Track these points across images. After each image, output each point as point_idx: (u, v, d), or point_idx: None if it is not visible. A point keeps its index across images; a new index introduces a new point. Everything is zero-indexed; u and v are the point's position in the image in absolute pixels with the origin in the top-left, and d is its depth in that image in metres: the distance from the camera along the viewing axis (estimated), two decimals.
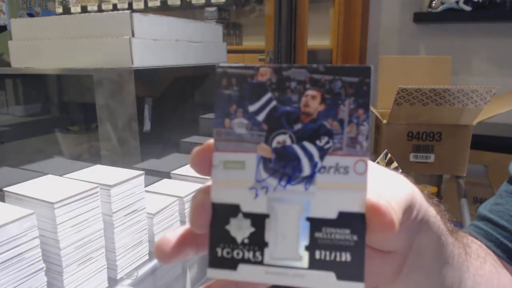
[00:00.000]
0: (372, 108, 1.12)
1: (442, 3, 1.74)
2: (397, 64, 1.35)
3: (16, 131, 1.11)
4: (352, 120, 0.21)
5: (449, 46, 1.87)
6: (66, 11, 2.90)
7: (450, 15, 1.75)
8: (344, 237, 0.20)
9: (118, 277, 0.59)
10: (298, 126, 0.21)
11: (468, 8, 1.69)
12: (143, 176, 0.62)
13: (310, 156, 0.21)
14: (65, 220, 0.50)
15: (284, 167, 0.21)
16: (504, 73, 1.81)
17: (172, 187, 0.75)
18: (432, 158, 1.06)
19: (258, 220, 0.21)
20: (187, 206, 0.73)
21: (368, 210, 0.20)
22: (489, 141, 1.54)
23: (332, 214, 0.20)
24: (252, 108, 0.21)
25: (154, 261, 0.65)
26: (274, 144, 0.21)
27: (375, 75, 1.76)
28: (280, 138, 0.21)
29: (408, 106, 0.98)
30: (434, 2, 1.76)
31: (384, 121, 1.07)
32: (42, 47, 0.94)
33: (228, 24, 2.52)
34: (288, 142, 0.21)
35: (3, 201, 0.53)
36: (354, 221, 0.20)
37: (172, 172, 0.81)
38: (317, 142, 0.21)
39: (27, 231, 0.46)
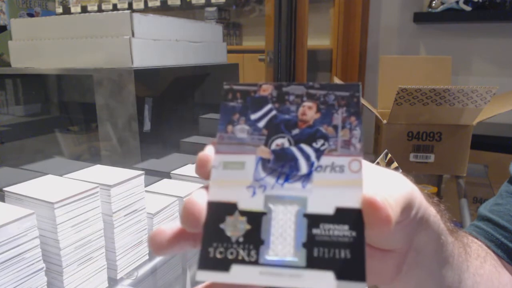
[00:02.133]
0: (372, 108, 1.12)
1: (442, 3, 1.74)
2: (397, 64, 1.35)
3: (16, 131, 1.11)
4: (345, 126, 0.22)
5: (449, 46, 1.87)
6: (66, 11, 2.90)
7: (450, 15, 1.74)
8: (343, 234, 0.20)
9: (118, 277, 0.59)
10: (295, 131, 0.23)
11: (468, 8, 1.69)
12: (143, 176, 0.62)
13: (307, 156, 0.22)
14: (65, 220, 0.50)
15: (282, 166, 0.22)
16: (504, 73, 1.80)
17: (172, 187, 0.75)
18: (432, 158, 1.06)
19: (255, 218, 0.21)
20: None
21: (364, 205, 0.20)
22: (489, 141, 1.54)
23: (329, 210, 0.20)
24: (253, 116, 0.23)
25: (154, 261, 0.65)
26: (273, 146, 0.22)
27: (375, 75, 1.76)
28: (279, 141, 0.22)
29: (408, 106, 0.98)
30: (434, 2, 1.76)
31: (384, 121, 1.07)
32: (42, 47, 0.94)
33: (228, 24, 2.52)
34: (286, 144, 0.22)
35: (3, 201, 0.53)
36: (352, 217, 0.20)
37: (172, 172, 0.81)
38: (314, 144, 0.22)
39: (27, 231, 0.46)
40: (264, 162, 0.22)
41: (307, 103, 0.23)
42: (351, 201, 0.20)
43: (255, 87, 0.23)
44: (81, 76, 0.98)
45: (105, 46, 0.86)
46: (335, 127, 0.22)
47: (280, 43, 1.41)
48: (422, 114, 1.01)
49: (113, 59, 0.86)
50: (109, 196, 0.56)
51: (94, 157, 0.99)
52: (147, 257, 0.65)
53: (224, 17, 2.51)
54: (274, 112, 0.23)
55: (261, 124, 0.23)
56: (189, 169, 0.82)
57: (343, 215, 0.20)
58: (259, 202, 0.21)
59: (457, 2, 1.69)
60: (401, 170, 0.75)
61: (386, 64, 1.33)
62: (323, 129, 0.22)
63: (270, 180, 0.21)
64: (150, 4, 2.56)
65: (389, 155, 0.81)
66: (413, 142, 1.07)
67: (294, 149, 0.22)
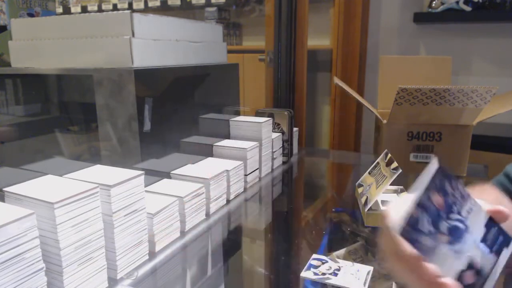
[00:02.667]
0: (372, 108, 1.12)
1: (442, 3, 1.74)
2: (397, 64, 1.35)
3: (16, 131, 1.11)
4: (462, 196, 0.40)
5: (449, 46, 1.87)
6: (66, 11, 2.90)
7: (450, 15, 1.74)
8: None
9: (118, 277, 0.59)
10: (450, 215, 0.38)
11: (468, 8, 1.69)
12: (143, 176, 0.62)
13: (465, 218, 0.39)
14: (65, 220, 0.50)
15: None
16: (504, 73, 1.80)
17: (172, 187, 0.75)
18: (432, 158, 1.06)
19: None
20: (187, 206, 0.73)
21: (493, 215, 0.39)
22: (489, 141, 1.54)
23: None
24: (426, 228, 0.36)
25: (154, 261, 0.65)
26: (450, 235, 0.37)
27: (375, 75, 1.76)
28: (453, 224, 0.38)
29: (408, 106, 0.98)
30: (434, 2, 1.76)
31: (384, 121, 1.07)
32: (42, 47, 0.94)
33: (228, 24, 2.52)
34: (457, 224, 0.38)
35: (3, 201, 0.53)
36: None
37: (172, 172, 0.81)
38: (459, 214, 0.39)
39: (27, 231, 0.46)
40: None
41: (434, 197, 0.38)
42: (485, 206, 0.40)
43: (412, 214, 0.37)
44: (81, 76, 0.98)
45: (105, 46, 0.86)
46: (459, 197, 0.39)
47: (280, 43, 1.41)
48: (422, 114, 1.01)
49: (113, 59, 0.86)
50: (109, 196, 0.56)
51: (94, 157, 0.99)
52: (147, 257, 0.65)
53: (224, 17, 2.51)
54: (437, 215, 0.38)
55: (433, 228, 0.37)
56: (189, 169, 0.82)
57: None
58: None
59: (457, 2, 1.69)
60: (401, 170, 0.74)
61: (386, 64, 1.33)
62: (452, 201, 0.38)
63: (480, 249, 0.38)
64: (150, 4, 2.56)
65: (389, 155, 0.81)
66: (413, 142, 1.07)
67: (459, 224, 0.38)
